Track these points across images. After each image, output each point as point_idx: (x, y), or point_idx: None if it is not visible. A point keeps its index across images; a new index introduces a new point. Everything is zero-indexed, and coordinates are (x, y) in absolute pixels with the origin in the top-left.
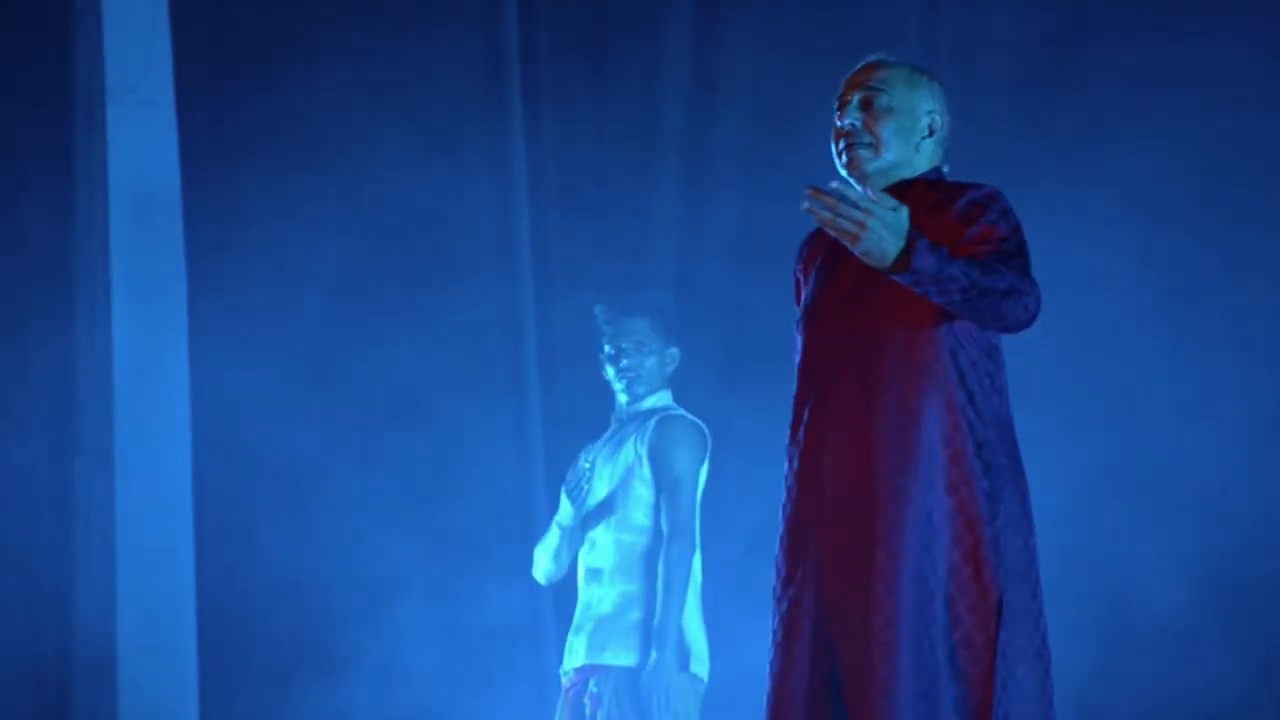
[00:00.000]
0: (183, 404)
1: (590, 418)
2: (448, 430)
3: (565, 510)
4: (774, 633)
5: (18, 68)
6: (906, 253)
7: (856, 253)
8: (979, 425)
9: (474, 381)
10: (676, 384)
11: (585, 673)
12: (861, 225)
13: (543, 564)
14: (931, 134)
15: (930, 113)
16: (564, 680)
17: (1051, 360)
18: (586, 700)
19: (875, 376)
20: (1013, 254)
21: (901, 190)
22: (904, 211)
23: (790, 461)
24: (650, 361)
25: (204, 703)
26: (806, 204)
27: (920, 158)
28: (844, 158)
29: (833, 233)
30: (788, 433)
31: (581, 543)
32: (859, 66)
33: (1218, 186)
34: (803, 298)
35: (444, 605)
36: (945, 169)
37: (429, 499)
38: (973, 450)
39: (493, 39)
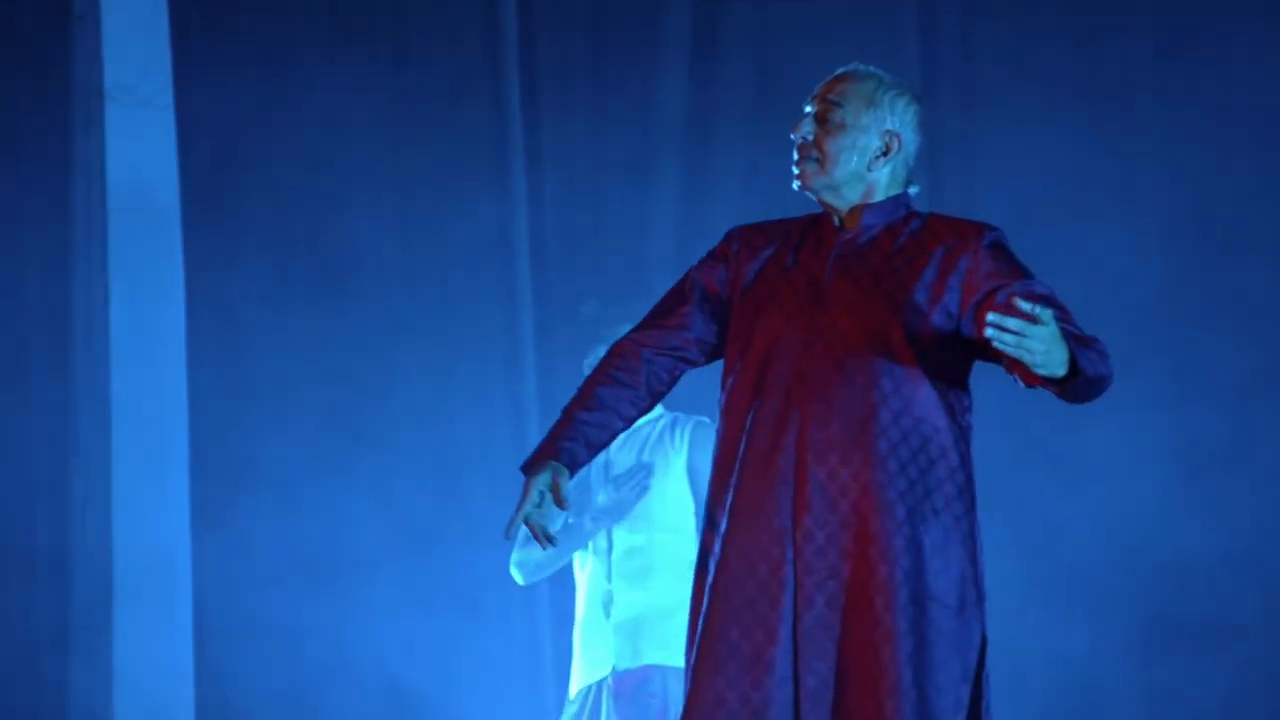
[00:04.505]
0: (180, 405)
1: None
2: (445, 427)
3: (612, 509)
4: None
5: (16, 68)
6: (1072, 359)
7: (1035, 367)
8: (967, 462)
9: (473, 383)
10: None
11: (641, 674)
12: (1039, 341)
13: (543, 564)
14: (888, 154)
15: (888, 132)
16: (609, 681)
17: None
18: (648, 700)
19: (872, 404)
20: (1065, 310)
21: (888, 220)
22: (1051, 315)
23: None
24: None
25: (201, 703)
26: (990, 332)
27: (877, 177)
28: (795, 170)
29: (1016, 354)
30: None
31: (608, 544)
32: (830, 77)
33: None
34: (747, 296)
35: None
36: (913, 190)
37: (428, 503)
38: (964, 481)
39: (491, 41)
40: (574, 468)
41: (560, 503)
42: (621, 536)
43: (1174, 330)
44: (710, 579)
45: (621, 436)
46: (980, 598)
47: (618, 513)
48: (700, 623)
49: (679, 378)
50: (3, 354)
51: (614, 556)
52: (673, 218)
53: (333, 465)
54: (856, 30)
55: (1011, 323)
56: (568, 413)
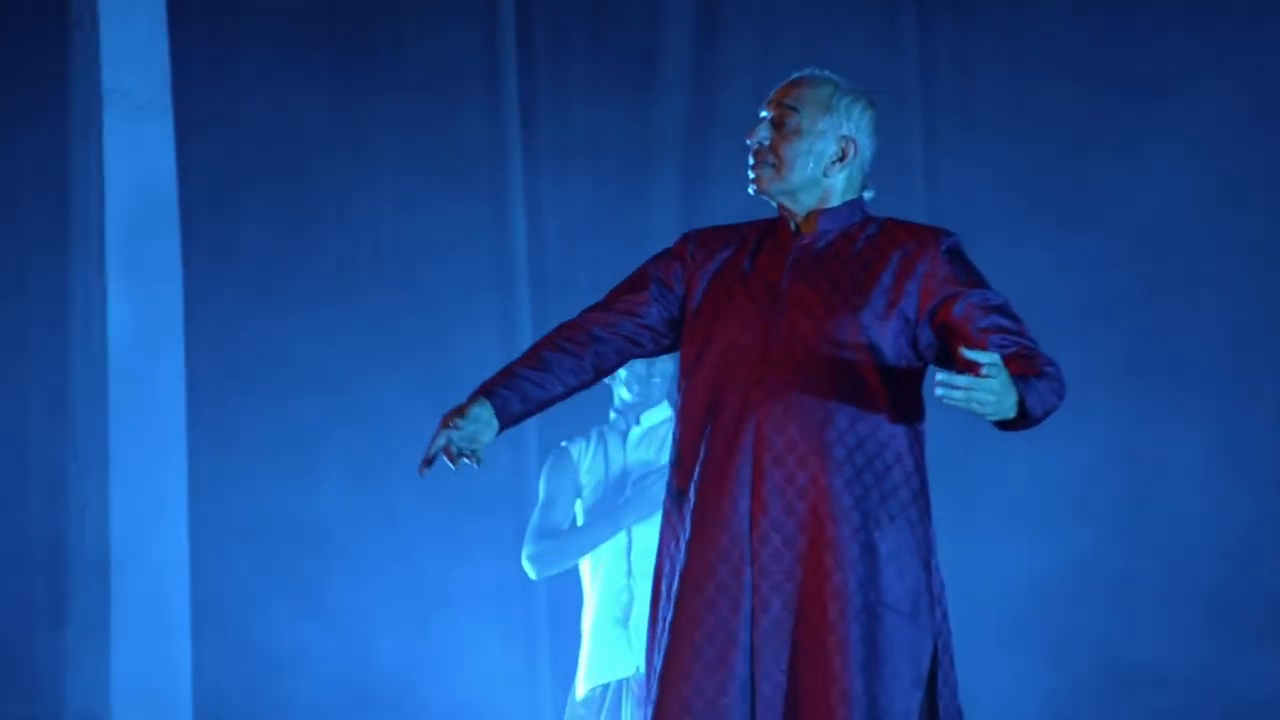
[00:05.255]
0: (178, 408)
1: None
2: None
3: (639, 507)
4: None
5: (15, 71)
6: (1020, 403)
7: (986, 416)
8: (921, 468)
9: (473, 382)
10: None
11: None
12: (988, 394)
13: (559, 558)
14: (844, 159)
15: (844, 138)
16: (632, 682)
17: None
18: None
19: (829, 409)
20: (1018, 320)
21: (844, 225)
22: (998, 359)
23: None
24: (671, 368)
25: (199, 705)
26: (940, 391)
27: (833, 182)
28: (751, 174)
29: (966, 408)
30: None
31: (627, 542)
32: (785, 81)
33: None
34: (703, 299)
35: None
36: (868, 195)
37: (427, 504)
38: (919, 487)
39: (490, 47)
40: (503, 414)
41: (474, 437)
42: (641, 534)
43: None
44: (673, 582)
45: (636, 435)
46: (934, 604)
47: (645, 510)
48: (662, 626)
49: (626, 362)
50: (2, 356)
51: (633, 555)
52: (672, 220)
53: (333, 467)
54: (858, 29)
55: (960, 380)
56: (507, 368)
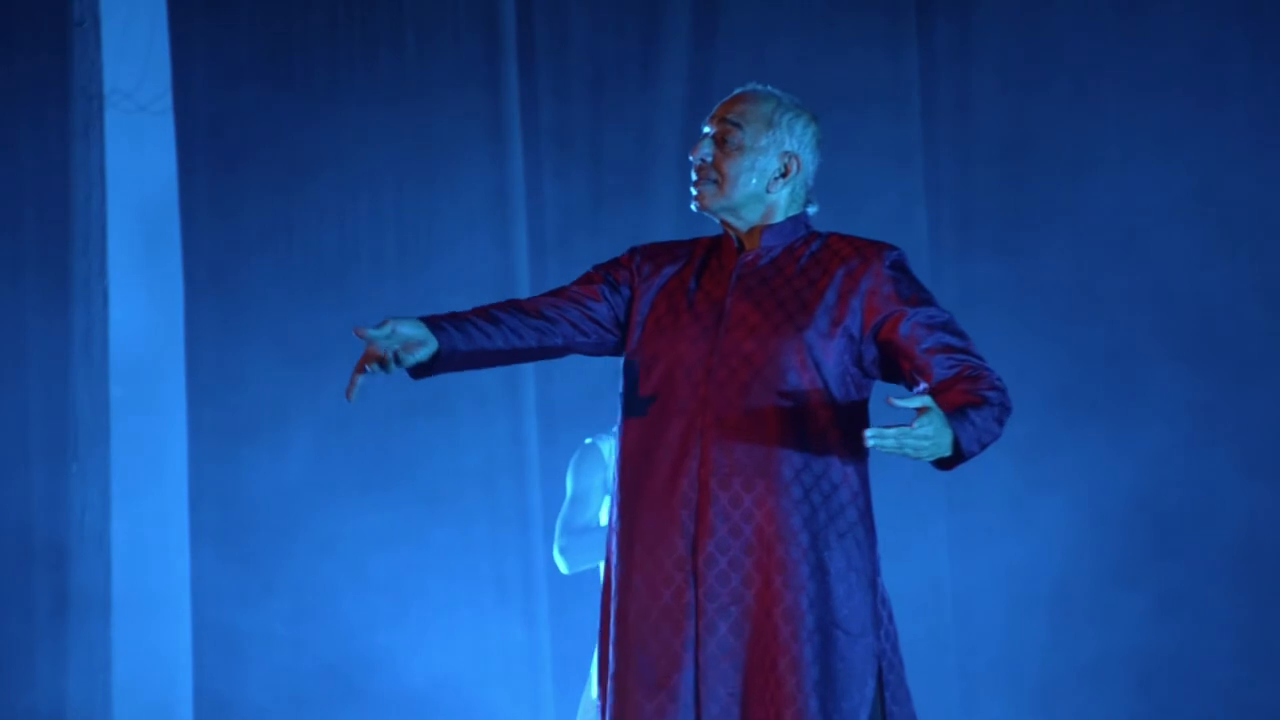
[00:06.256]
0: (179, 410)
1: (583, 415)
2: (445, 424)
3: None
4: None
5: (16, 74)
6: (955, 441)
7: (923, 458)
8: (866, 487)
9: (473, 380)
10: None
11: None
12: (920, 440)
13: (592, 553)
14: (786, 175)
15: (787, 154)
16: None
17: None
18: None
19: (776, 429)
20: (964, 337)
21: (788, 240)
22: (930, 402)
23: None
24: None
25: (200, 707)
26: (871, 442)
27: (776, 198)
28: (694, 191)
29: (900, 454)
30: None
31: None
32: (728, 97)
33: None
34: (648, 315)
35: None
36: (812, 210)
37: (428, 503)
38: (864, 506)
39: (491, 43)
40: (439, 336)
41: (404, 340)
42: None
43: None
44: (616, 605)
45: None
46: (878, 622)
47: None
48: (608, 649)
49: (570, 349)
50: (3, 356)
51: None
52: (670, 220)
53: (333, 467)
54: (858, 28)
55: (890, 432)
56: (454, 313)
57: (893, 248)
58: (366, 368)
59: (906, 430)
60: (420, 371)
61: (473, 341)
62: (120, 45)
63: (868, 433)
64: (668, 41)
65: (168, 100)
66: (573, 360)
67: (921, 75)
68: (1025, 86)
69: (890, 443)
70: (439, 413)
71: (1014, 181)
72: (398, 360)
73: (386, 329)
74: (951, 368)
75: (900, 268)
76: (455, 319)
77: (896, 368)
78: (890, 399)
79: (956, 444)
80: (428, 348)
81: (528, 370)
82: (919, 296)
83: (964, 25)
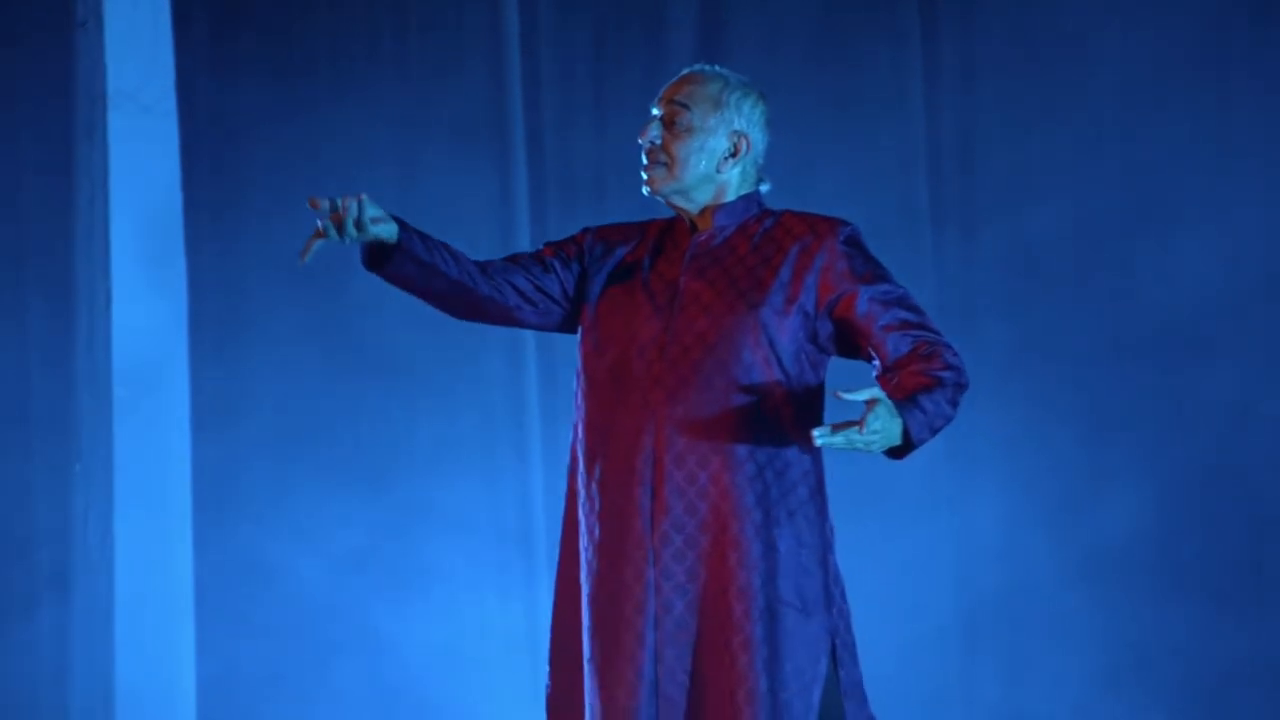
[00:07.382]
0: (183, 409)
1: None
2: (445, 422)
3: None
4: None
5: (19, 74)
6: (905, 430)
7: (874, 450)
8: (819, 465)
9: (473, 380)
10: None
11: None
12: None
13: None
14: (736, 154)
15: (736, 133)
16: None
17: None
18: None
19: (730, 407)
20: (919, 312)
21: (740, 219)
22: (879, 393)
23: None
24: None
25: (201, 709)
26: (819, 441)
27: (727, 178)
28: (644, 175)
29: (849, 450)
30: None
31: None
32: (675, 78)
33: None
34: (601, 296)
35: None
36: (764, 188)
37: (426, 487)
38: (815, 484)
39: (494, 47)
40: (403, 232)
41: (358, 221)
42: None
43: None
44: (588, 589)
45: None
46: (831, 601)
47: None
48: (583, 631)
49: (514, 312)
50: (5, 360)
51: None
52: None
53: (334, 468)
54: (857, 29)
55: (839, 435)
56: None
57: (846, 223)
58: (321, 225)
59: (854, 430)
60: (374, 260)
61: (431, 255)
62: (123, 46)
63: (815, 432)
64: (671, 29)
65: (171, 101)
66: (568, 366)
67: (925, 74)
68: (1027, 86)
69: (839, 440)
70: (442, 408)
71: (1019, 181)
72: (358, 226)
73: (353, 201)
74: (908, 344)
75: (855, 243)
76: (423, 234)
77: (852, 344)
78: (838, 393)
79: (906, 433)
80: (389, 227)
81: (529, 362)
82: (874, 273)
83: (969, 24)
